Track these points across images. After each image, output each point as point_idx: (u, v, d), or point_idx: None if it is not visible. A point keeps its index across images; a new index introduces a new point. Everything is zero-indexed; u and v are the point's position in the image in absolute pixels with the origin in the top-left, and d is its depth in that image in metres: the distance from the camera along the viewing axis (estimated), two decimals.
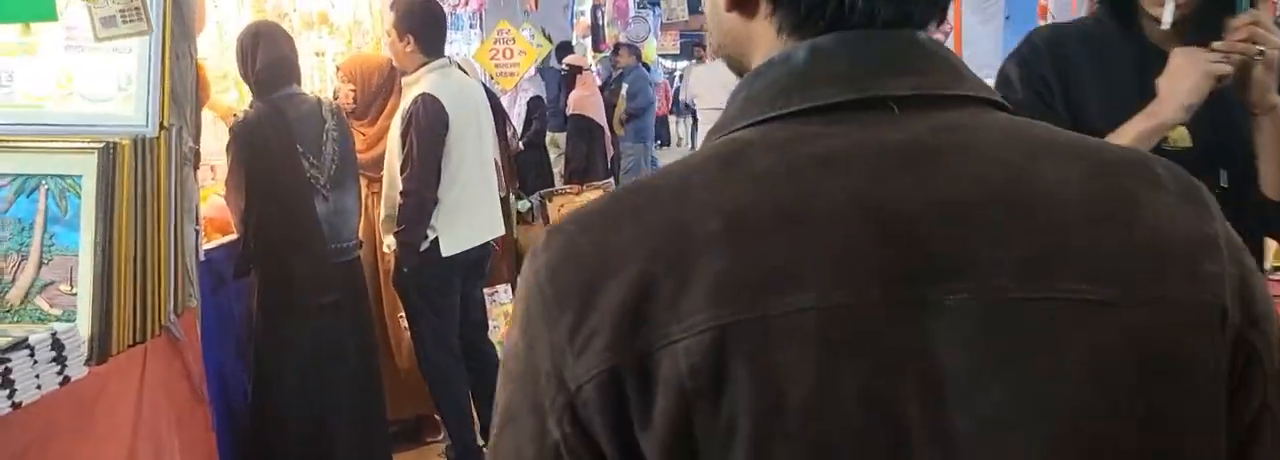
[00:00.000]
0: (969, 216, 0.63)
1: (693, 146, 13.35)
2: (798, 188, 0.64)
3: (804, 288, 0.61)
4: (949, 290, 0.62)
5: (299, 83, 3.07)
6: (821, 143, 0.65)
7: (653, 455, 0.62)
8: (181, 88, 2.56)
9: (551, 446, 0.64)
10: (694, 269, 0.62)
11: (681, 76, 18.57)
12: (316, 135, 2.98)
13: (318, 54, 4.43)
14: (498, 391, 0.69)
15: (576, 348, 0.63)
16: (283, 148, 2.83)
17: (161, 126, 2.47)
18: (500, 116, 5.39)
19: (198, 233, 2.71)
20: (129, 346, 2.34)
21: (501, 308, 3.97)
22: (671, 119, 15.55)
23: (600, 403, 0.62)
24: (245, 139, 2.84)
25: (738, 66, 0.76)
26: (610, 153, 7.38)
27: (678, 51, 20.72)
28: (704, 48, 12.00)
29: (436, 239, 3.28)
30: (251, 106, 2.96)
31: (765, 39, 0.72)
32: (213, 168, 3.50)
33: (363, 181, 3.61)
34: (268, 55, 2.90)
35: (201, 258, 2.77)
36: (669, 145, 14.86)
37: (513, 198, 5.43)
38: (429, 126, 3.19)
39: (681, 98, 13.25)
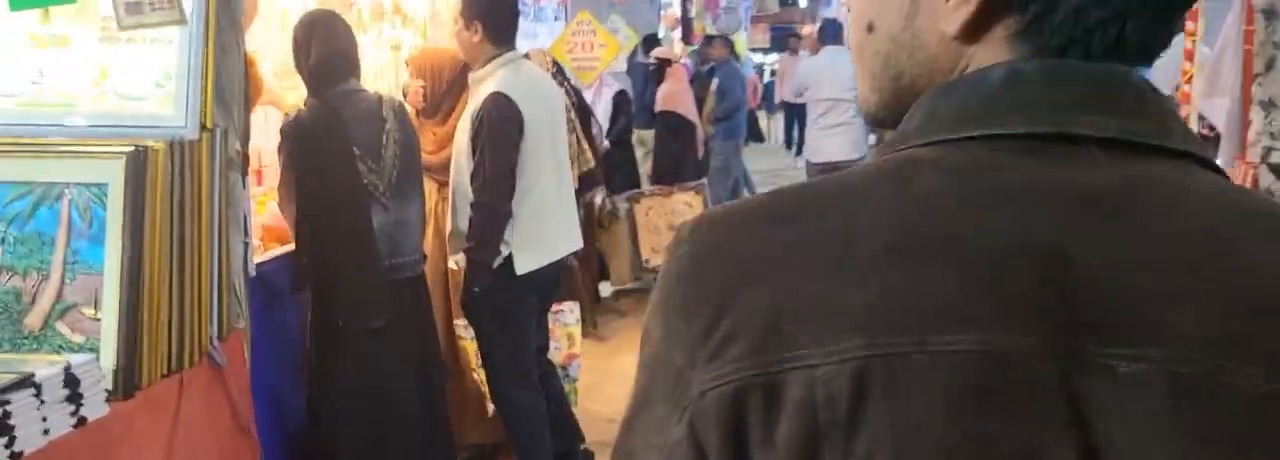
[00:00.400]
0: (1156, 279, 0.57)
1: (787, 144, 12.88)
2: (970, 218, 0.59)
3: (964, 327, 0.56)
4: (1124, 356, 0.56)
5: (358, 78, 2.77)
6: (1003, 175, 0.60)
7: None
8: (228, 84, 2.30)
9: (672, 440, 0.61)
10: (846, 289, 0.58)
11: (773, 72, 18.06)
12: (375, 136, 2.68)
13: (393, 47, 4.18)
14: (637, 370, 0.66)
15: (708, 350, 0.60)
16: (336, 150, 2.54)
17: (204, 128, 2.21)
18: (585, 114, 5.08)
19: (247, 245, 2.45)
20: (162, 377, 2.09)
21: (566, 329, 3.60)
22: (762, 114, 15.07)
23: (718, 415, 0.59)
24: (295, 140, 2.55)
25: (905, 92, 0.68)
26: (701, 151, 7.00)
27: (768, 44, 20.29)
28: (799, 37, 11.54)
29: (510, 256, 2.95)
30: (304, 104, 2.68)
31: (981, 61, 0.65)
32: None
33: (433, 186, 3.33)
34: (323, 47, 2.61)
35: (252, 273, 2.51)
36: (762, 141, 14.34)
37: (604, 201, 5.13)
38: (502, 130, 2.86)
39: (778, 94, 12.77)
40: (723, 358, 0.58)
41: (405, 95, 3.39)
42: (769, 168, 10.45)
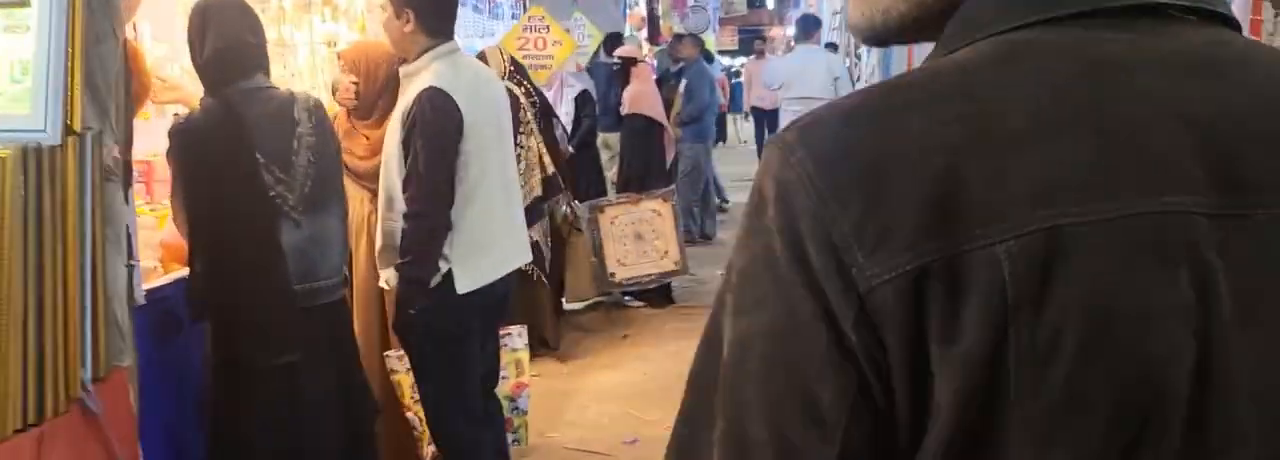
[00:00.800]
0: (1263, 129, 0.61)
1: (758, 151, 12.57)
2: (1097, 90, 0.61)
3: (1130, 191, 0.58)
4: (1256, 203, 0.59)
5: (266, 73, 2.40)
6: (1105, 48, 0.62)
7: (953, 369, 0.57)
8: (102, 79, 1.96)
9: (847, 354, 0.58)
10: (1005, 165, 0.58)
11: (737, 73, 17.75)
12: (285, 141, 2.31)
13: (328, 43, 3.82)
14: (734, 319, 0.62)
15: (867, 244, 0.58)
16: (235, 156, 2.17)
17: (71, 131, 1.85)
18: (548, 115, 4.75)
19: (133, 269, 2.09)
20: (16, 432, 1.74)
21: (514, 354, 3.24)
22: (730, 117, 14.77)
23: (898, 306, 0.57)
24: (185, 145, 2.19)
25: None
26: (670, 154, 6.65)
27: (736, 47, 20.02)
28: (764, 40, 11.27)
29: (450, 272, 2.59)
30: (200, 103, 2.31)
31: None
32: None
33: (366, 196, 2.98)
34: (220, 38, 2.24)
35: (141, 300, 2.15)
36: (725, 142, 14.03)
37: (567, 209, 4.79)
38: (439, 129, 2.50)
39: (745, 99, 12.44)
40: (888, 248, 0.57)
41: (334, 93, 3.03)
42: (740, 172, 10.10)
